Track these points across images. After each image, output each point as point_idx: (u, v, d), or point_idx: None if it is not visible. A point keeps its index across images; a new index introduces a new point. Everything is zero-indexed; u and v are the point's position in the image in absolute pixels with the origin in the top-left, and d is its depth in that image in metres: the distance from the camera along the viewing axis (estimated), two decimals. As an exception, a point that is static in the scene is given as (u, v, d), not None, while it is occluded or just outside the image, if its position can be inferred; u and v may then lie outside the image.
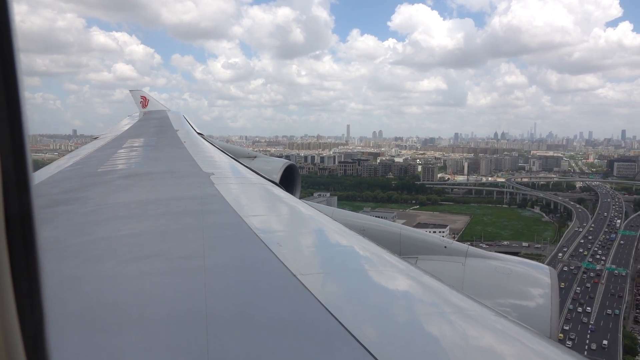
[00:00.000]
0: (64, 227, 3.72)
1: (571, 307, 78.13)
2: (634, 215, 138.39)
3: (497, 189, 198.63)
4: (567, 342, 64.37)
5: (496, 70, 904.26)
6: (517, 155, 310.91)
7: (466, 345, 1.92)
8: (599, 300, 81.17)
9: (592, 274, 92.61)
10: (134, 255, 2.91)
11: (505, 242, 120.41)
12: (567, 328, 71.37)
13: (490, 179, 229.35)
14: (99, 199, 4.85)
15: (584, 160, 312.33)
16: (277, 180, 8.30)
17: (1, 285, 0.70)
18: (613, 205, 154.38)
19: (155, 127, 14.44)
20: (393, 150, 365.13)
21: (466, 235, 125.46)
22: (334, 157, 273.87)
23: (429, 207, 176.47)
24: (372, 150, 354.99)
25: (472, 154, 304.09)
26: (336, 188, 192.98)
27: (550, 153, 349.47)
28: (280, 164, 11.01)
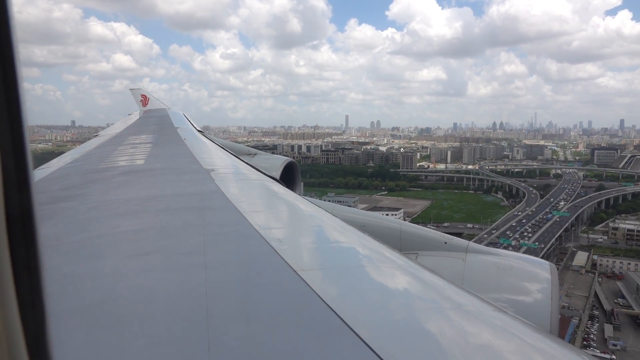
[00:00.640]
0: (64, 224, 3.76)
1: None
2: (578, 200, 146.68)
3: (470, 176, 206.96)
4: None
5: (496, 59, 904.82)
6: (505, 144, 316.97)
7: (466, 341, 1.94)
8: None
9: (510, 249, 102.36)
10: (134, 252, 2.93)
11: (446, 224, 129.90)
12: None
13: (470, 167, 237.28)
14: (99, 196, 4.92)
15: (574, 149, 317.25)
16: (278, 177, 8.45)
17: (2, 283, 0.70)
18: (567, 190, 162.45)
19: (155, 124, 14.62)
20: (385, 140, 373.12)
21: (419, 218, 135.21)
22: (321, 146, 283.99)
23: (397, 193, 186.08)
24: (364, 140, 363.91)
25: (459, 143, 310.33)
26: (313, 175, 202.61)
27: (542, 142, 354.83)
28: (280, 161, 11.08)
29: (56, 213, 4.05)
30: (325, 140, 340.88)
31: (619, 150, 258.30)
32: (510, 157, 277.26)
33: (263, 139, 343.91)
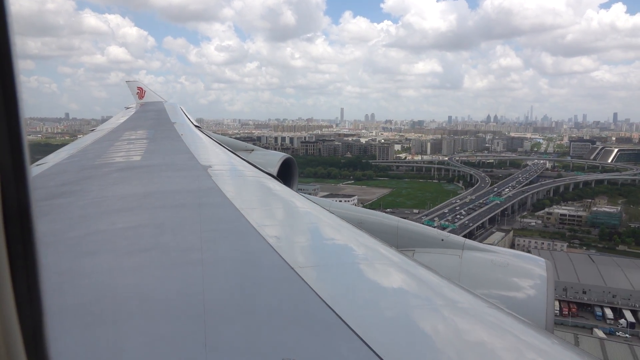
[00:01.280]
0: (61, 220, 3.76)
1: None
2: (526, 187, 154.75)
3: (436, 166, 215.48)
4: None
5: (492, 52, 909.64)
6: (490, 137, 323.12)
7: (462, 338, 1.96)
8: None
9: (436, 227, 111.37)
10: (131, 249, 2.93)
11: (388, 210, 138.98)
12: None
13: (446, 158, 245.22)
14: (96, 192, 4.91)
15: (559, 142, 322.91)
16: (275, 173, 8.41)
17: (0, 279, 0.71)
18: (520, 179, 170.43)
19: (152, 119, 14.64)
20: (374, 132, 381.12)
21: (373, 205, 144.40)
22: (304, 138, 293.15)
23: (363, 182, 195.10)
24: (352, 132, 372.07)
25: (439, 136, 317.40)
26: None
27: (528, 135, 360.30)
28: (277, 157, 11.06)
29: (53, 209, 4.08)
30: (314, 132, 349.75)
31: (596, 143, 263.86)
32: (490, 149, 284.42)
33: (254, 131, 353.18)
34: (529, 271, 4.79)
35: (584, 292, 74.14)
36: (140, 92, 21.53)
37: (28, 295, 0.75)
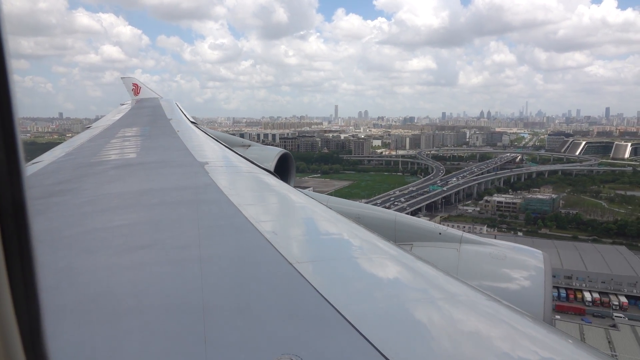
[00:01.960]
0: (57, 219, 3.78)
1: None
2: (473, 176, 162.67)
3: (408, 159, 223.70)
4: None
5: (486, 49, 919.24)
6: (472, 132, 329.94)
7: (461, 330, 1.98)
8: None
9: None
10: (129, 246, 2.95)
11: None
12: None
13: (429, 152, 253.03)
14: (92, 190, 4.92)
15: (542, 137, 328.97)
16: (272, 169, 8.37)
17: None
18: (474, 170, 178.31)
19: (148, 116, 14.68)
20: (362, 129, 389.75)
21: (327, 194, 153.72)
22: (286, 134, 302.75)
23: (329, 175, 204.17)
24: (339, 128, 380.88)
25: (418, 132, 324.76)
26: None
27: (514, 130, 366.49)
28: (274, 153, 10.98)
29: (49, 208, 4.09)
30: (303, 129, 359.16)
31: (569, 137, 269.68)
32: (469, 144, 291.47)
33: (244, 129, 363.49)
34: (526, 263, 4.86)
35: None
36: (136, 89, 21.53)
37: (25, 293, 0.75)
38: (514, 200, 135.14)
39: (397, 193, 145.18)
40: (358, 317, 1.85)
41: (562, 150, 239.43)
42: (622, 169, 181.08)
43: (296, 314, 2.00)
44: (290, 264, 2.43)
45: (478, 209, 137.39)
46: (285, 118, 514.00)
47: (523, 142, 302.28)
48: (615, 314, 67.56)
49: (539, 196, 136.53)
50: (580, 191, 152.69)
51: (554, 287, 68.00)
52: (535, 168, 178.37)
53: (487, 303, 2.32)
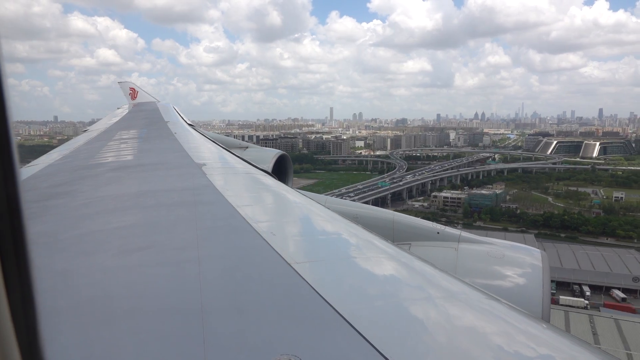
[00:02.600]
0: (55, 221, 3.80)
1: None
2: (432, 173, 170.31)
3: (381, 159, 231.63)
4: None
5: (481, 51, 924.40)
6: (458, 133, 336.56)
7: (460, 329, 2.00)
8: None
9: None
10: (127, 248, 2.97)
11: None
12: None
13: (402, 152, 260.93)
14: (90, 192, 4.93)
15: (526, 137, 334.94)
16: (270, 170, 8.53)
17: None
18: (434, 168, 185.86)
19: (145, 118, 14.87)
20: (351, 130, 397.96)
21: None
22: (271, 135, 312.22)
23: (299, 174, 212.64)
24: (330, 129, 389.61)
25: (400, 133, 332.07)
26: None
27: (501, 131, 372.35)
28: (272, 154, 11.14)
29: (47, 211, 4.10)
30: (292, 131, 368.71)
31: (544, 138, 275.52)
32: (451, 144, 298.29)
33: (235, 131, 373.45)
34: (524, 262, 4.90)
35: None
36: (133, 93, 21.53)
37: (21, 295, 0.75)
38: (459, 196, 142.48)
39: (360, 186, 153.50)
40: (357, 317, 1.86)
41: (537, 149, 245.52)
42: (583, 167, 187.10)
43: (295, 314, 2.00)
44: (289, 264, 2.44)
45: (426, 204, 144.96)
46: (280, 120, 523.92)
47: (505, 143, 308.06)
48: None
49: (483, 192, 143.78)
50: (533, 187, 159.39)
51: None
52: (494, 166, 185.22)
53: (485, 302, 2.34)
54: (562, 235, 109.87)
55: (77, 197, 4.70)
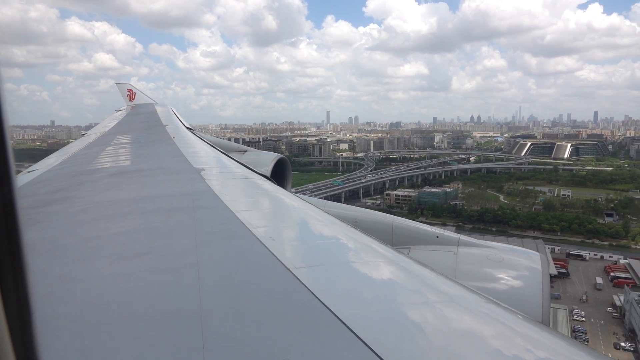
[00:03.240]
0: (53, 227, 3.79)
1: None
2: (395, 173, 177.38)
3: (355, 160, 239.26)
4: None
5: (477, 54, 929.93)
6: (442, 135, 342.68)
7: (460, 333, 2.01)
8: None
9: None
10: (126, 254, 2.97)
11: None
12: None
13: (380, 154, 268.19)
14: (88, 198, 4.92)
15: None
16: (268, 174, 8.51)
17: None
18: (401, 168, 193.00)
19: (143, 122, 14.98)
20: (341, 133, 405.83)
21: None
22: (256, 138, 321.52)
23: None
24: (320, 132, 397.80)
25: (385, 135, 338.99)
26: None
27: (490, 134, 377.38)
28: (271, 158, 11.11)
29: (45, 216, 4.10)
30: (283, 134, 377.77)
31: (521, 140, 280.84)
32: (434, 147, 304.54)
33: (229, 134, 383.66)
34: (523, 265, 4.95)
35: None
36: (131, 94, 21.61)
37: (17, 301, 0.75)
38: (411, 194, 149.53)
39: (311, 187, 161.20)
40: (357, 322, 1.86)
41: (513, 151, 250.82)
42: (547, 167, 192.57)
43: (294, 319, 2.00)
44: (288, 269, 2.45)
45: (379, 201, 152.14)
46: (275, 124, 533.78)
47: (490, 145, 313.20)
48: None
49: (433, 190, 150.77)
50: (490, 187, 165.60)
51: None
52: (456, 166, 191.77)
53: (485, 305, 2.37)
54: (494, 229, 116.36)
55: (75, 203, 4.70)
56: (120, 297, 2.29)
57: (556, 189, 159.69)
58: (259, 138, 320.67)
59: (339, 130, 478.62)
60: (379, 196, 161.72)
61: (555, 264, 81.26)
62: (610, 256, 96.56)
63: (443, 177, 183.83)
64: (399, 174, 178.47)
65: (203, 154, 8.39)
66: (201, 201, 4.33)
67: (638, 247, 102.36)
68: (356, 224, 4.58)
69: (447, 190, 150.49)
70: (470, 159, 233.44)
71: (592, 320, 70.55)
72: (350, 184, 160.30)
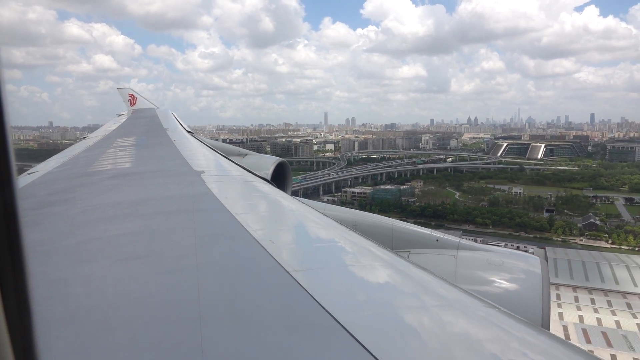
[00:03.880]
0: (53, 229, 3.82)
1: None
2: (359, 171, 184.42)
3: (333, 161, 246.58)
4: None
5: (476, 56, 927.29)
6: (429, 137, 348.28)
7: (459, 337, 2.01)
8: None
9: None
10: (125, 256, 2.99)
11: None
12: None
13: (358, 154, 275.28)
14: (88, 200, 4.97)
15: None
16: (269, 177, 8.63)
17: None
18: (369, 166, 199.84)
19: (144, 125, 15.04)
20: (334, 134, 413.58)
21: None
22: (243, 138, 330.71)
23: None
24: (306, 134, 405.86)
25: (370, 136, 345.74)
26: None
27: (481, 135, 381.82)
28: (271, 161, 11.25)
29: (45, 218, 4.13)
30: (275, 135, 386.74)
31: (499, 140, 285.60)
32: (419, 147, 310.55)
33: (223, 136, 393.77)
34: (523, 270, 4.98)
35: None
36: (132, 99, 21.89)
37: (17, 302, 0.76)
38: (366, 191, 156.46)
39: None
40: (357, 326, 1.87)
41: (490, 152, 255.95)
42: (512, 167, 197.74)
43: (293, 322, 2.01)
44: (287, 272, 2.46)
45: (336, 198, 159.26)
46: (272, 125, 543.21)
47: (475, 146, 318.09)
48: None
49: (386, 187, 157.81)
50: (451, 185, 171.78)
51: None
52: (421, 165, 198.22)
53: (484, 309, 2.37)
54: (433, 223, 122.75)
55: (75, 205, 4.77)
56: (119, 299, 2.29)
57: (514, 188, 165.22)
58: (245, 139, 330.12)
59: (333, 131, 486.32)
60: (339, 193, 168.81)
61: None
62: (525, 246, 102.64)
63: (408, 175, 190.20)
64: (364, 172, 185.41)
65: (203, 157, 8.55)
66: (201, 204, 4.40)
67: (559, 238, 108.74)
68: (356, 227, 4.77)
69: (402, 187, 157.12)
70: (448, 159, 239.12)
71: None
72: (311, 181, 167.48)
